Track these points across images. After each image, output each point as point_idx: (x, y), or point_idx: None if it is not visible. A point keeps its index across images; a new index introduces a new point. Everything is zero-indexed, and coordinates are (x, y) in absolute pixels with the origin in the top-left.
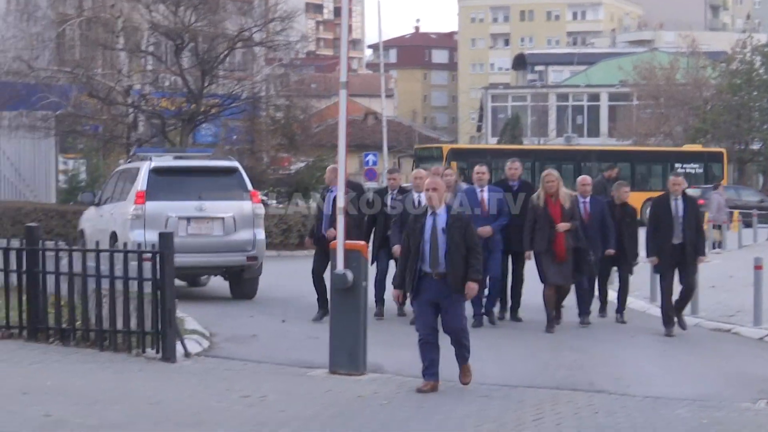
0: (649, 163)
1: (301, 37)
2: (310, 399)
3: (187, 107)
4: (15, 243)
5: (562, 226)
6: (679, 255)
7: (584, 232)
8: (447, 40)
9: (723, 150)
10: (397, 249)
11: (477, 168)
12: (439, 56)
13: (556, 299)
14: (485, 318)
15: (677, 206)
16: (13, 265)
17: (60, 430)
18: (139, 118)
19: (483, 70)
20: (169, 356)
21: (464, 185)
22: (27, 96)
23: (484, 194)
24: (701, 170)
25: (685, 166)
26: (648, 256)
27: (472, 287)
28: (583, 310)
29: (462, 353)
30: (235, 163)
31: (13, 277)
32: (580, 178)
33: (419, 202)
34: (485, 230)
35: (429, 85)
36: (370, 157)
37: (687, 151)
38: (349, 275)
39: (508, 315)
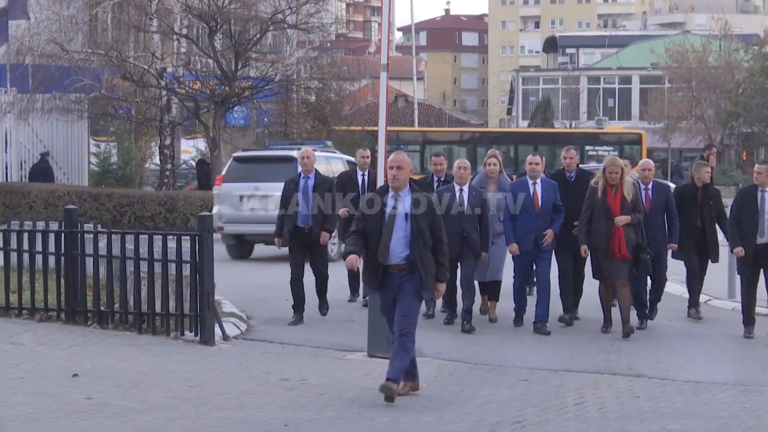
0: (562, 146)
1: (334, 20)
2: (349, 382)
3: (219, 90)
4: (51, 226)
5: (622, 219)
6: (764, 256)
7: (645, 224)
8: (477, 23)
9: (641, 132)
10: None
11: (530, 158)
12: (470, 39)
13: (624, 299)
14: (534, 324)
15: (764, 199)
16: (52, 248)
17: (102, 413)
18: (173, 100)
19: (513, 53)
20: (207, 339)
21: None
22: (60, 79)
23: (538, 188)
24: (616, 153)
25: (597, 148)
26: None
27: (441, 289)
28: (640, 312)
29: (401, 360)
30: (293, 153)
31: (52, 260)
32: (642, 163)
33: (462, 196)
34: (549, 236)
35: (459, 67)
36: None
37: (603, 133)
38: None
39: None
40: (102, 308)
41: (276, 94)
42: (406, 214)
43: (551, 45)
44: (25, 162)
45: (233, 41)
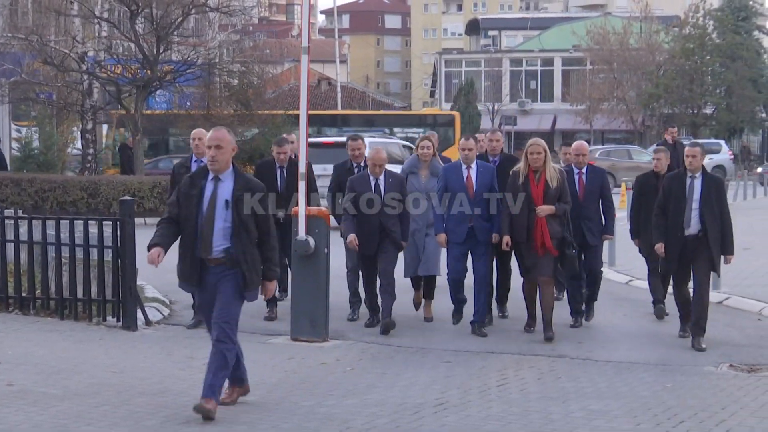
0: (368, 128)
1: (256, 3)
2: (273, 366)
3: (141, 74)
4: None
5: (544, 209)
6: (692, 249)
7: (580, 213)
8: (400, 6)
9: (455, 113)
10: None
11: (462, 143)
12: (392, 21)
13: (547, 298)
14: (471, 324)
15: (693, 187)
16: None
17: (23, 400)
18: (94, 84)
19: (436, 36)
20: (129, 325)
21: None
22: None
23: (472, 173)
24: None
25: (406, 130)
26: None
27: (270, 288)
28: (573, 308)
29: (218, 375)
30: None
31: None
32: (576, 145)
33: (378, 184)
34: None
35: (382, 50)
36: None
37: (416, 115)
38: (311, 241)
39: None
40: (23, 294)
41: (198, 77)
42: (227, 201)
43: (474, 27)
44: None
45: (155, 25)
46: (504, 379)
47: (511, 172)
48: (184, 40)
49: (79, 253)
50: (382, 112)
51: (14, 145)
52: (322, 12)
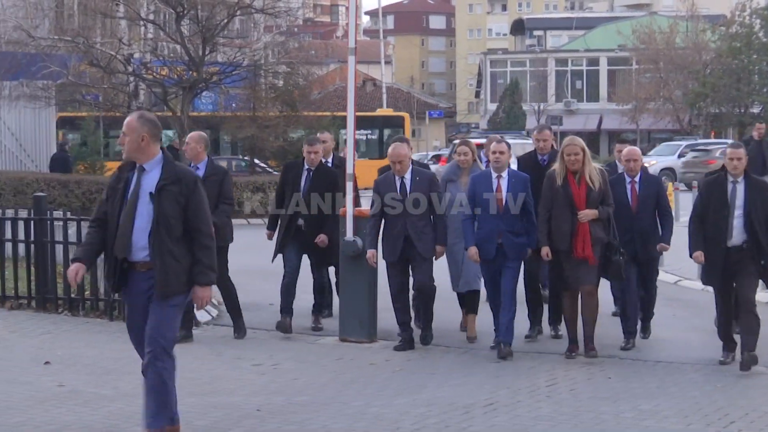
0: (328, 129)
1: (301, 4)
2: (322, 367)
3: (187, 75)
4: (21, 213)
5: (587, 214)
6: (736, 261)
7: (633, 225)
8: (444, 6)
9: (405, 114)
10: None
11: (494, 145)
12: (437, 22)
13: (590, 311)
14: (497, 346)
15: (736, 192)
16: (21, 236)
17: (74, 401)
18: (140, 86)
19: (481, 36)
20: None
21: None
22: (27, 66)
23: (502, 183)
24: (375, 137)
25: (360, 131)
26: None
27: (201, 295)
28: (626, 326)
29: (159, 400)
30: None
31: (22, 248)
32: (627, 151)
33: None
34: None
35: (427, 51)
36: None
37: (366, 116)
38: (359, 242)
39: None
40: (72, 295)
41: (244, 79)
42: (151, 194)
43: (519, 27)
44: None
45: (200, 26)
46: (553, 379)
47: (547, 175)
48: (229, 42)
49: None
50: (335, 113)
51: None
52: (366, 13)
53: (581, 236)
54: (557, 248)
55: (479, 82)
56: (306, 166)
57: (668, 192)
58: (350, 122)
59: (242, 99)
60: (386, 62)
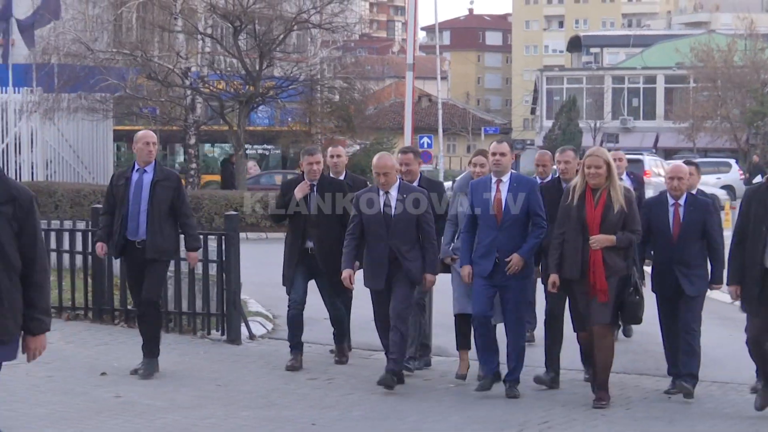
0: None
1: (358, 19)
2: (376, 382)
3: (244, 89)
4: (78, 225)
5: (600, 240)
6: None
7: (673, 256)
8: (501, 22)
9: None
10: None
11: (494, 146)
12: (493, 38)
13: (603, 354)
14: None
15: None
16: (79, 247)
17: (130, 412)
18: (197, 100)
19: (537, 53)
20: (234, 338)
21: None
22: (85, 78)
23: (502, 189)
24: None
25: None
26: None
27: (31, 346)
28: (671, 369)
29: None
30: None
31: (79, 259)
32: (672, 168)
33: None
34: (515, 262)
35: (483, 67)
36: (425, 140)
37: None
38: None
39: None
40: (129, 307)
41: (300, 93)
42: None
43: (575, 44)
44: (50, 162)
45: (258, 41)
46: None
47: (564, 191)
48: (286, 56)
49: (184, 267)
50: (277, 128)
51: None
52: (423, 29)
53: (592, 266)
54: (565, 277)
55: (535, 99)
56: (309, 182)
57: (725, 211)
58: (407, 137)
59: (298, 113)
60: (442, 78)
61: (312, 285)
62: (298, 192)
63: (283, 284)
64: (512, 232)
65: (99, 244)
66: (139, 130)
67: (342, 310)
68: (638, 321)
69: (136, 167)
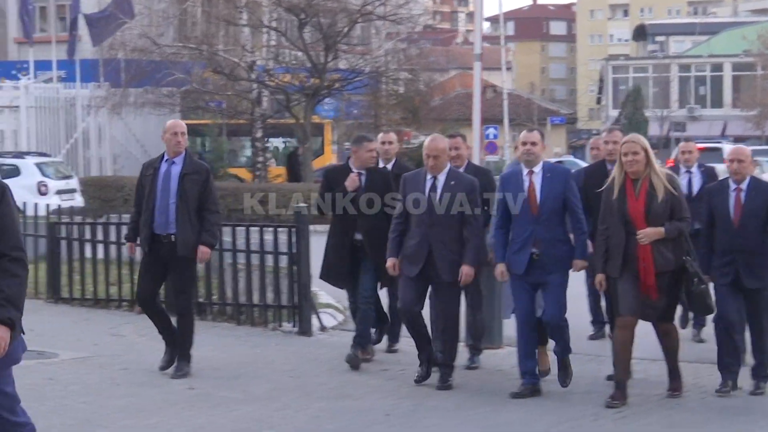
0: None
1: (422, 11)
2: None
3: (309, 82)
4: None
5: (648, 233)
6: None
7: (734, 243)
8: (565, 12)
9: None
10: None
11: (524, 135)
12: (557, 28)
13: (670, 344)
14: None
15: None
16: None
17: (205, 403)
18: (263, 93)
19: (602, 42)
20: (305, 330)
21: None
22: (152, 73)
23: (535, 180)
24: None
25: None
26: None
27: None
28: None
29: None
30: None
31: None
32: (733, 150)
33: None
34: (578, 266)
35: (547, 57)
36: (491, 131)
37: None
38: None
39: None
40: (200, 300)
41: (365, 86)
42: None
43: (641, 33)
44: (118, 156)
45: (323, 33)
46: (683, 388)
47: (606, 184)
48: (351, 49)
49: (255, 260)
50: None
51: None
52: (487, 19)
53: (642, 262)
54: (610, 275)
55: (600, 89)
56: (355, 170)
57: None
58: (476, 127)
59: (363, 106)
60: (507, 68)
61: None
62: (349, 184)
63: (321, 278)
64: (550, 224)
65: (129, 245)
66: (207, 123)
67: (380, 304)
68: (710, 310)
69: (165, 158)
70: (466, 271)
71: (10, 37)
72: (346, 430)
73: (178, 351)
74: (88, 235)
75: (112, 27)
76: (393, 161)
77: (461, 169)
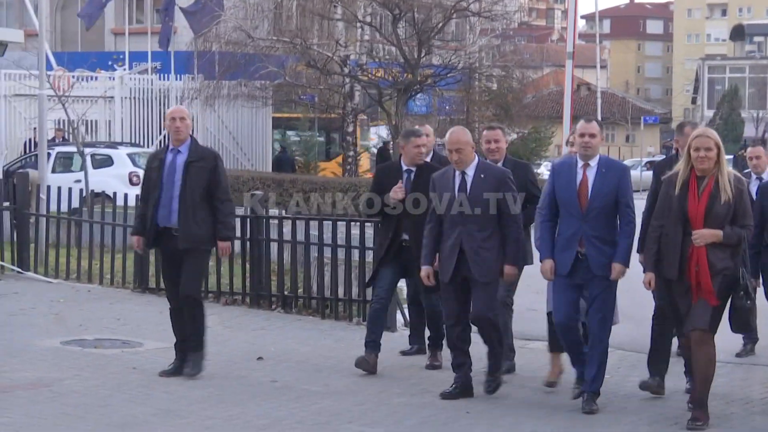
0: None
1: (518, 8)
2: (532, 371)
3: (402, 77)
4: (237, 211)
5: (704, 234)
6: None
7: None
8: (662, 11)
9: None
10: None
11: (581, 126)
12: (654, 27)
13: (703, 362)
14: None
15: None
16: (237, 233)
17: (286, 396)
18: (356, 88)
19: (699, 41)
20: (389, 325)
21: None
22: (245, 66)
23: (589, 174)
24: None
25: None
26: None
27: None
28: None
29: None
30: None
31: (237, 245)
32: None
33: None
34: (617, 271)
35: (643, 56)
36: None
37: None
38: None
39: None
40: (285, 293)
41: (458, 82)
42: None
43: (738, 33)
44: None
45: (416, 29)
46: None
47: (664, 178)
48: (445, 44)
49: (341, 254)
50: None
51: (275, 146)
52: (583, 17)
53: (694, 264)
54: (664, 276)
55: (696, 88)
56: (404, 167)
57: None
58: (566, 125)
59: (456, 102)
60: (602, 66)
61: None
62: (393, 197)
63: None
64: (598, 223)
65: (135, 238)
66: (298, 117)
67: (439, 308)
68: (750, 329)
69: (170, 147)
70: (509, 271)
71: (107, 28)
72: (425, 426)
73: (190, 344)
74: None
75: (207, 19)
76: (431, 154)
77: (499, 164)
